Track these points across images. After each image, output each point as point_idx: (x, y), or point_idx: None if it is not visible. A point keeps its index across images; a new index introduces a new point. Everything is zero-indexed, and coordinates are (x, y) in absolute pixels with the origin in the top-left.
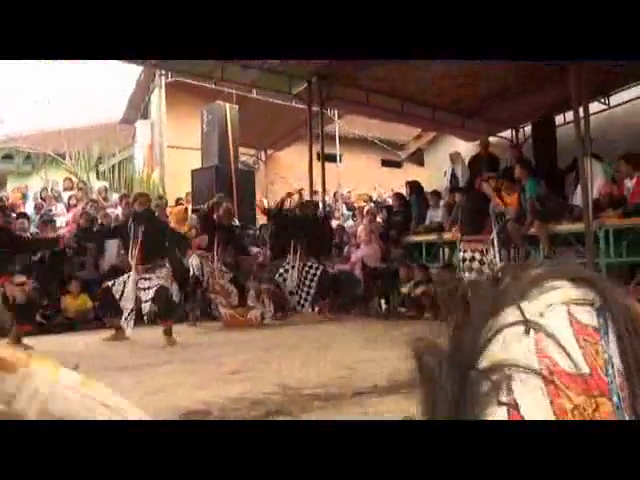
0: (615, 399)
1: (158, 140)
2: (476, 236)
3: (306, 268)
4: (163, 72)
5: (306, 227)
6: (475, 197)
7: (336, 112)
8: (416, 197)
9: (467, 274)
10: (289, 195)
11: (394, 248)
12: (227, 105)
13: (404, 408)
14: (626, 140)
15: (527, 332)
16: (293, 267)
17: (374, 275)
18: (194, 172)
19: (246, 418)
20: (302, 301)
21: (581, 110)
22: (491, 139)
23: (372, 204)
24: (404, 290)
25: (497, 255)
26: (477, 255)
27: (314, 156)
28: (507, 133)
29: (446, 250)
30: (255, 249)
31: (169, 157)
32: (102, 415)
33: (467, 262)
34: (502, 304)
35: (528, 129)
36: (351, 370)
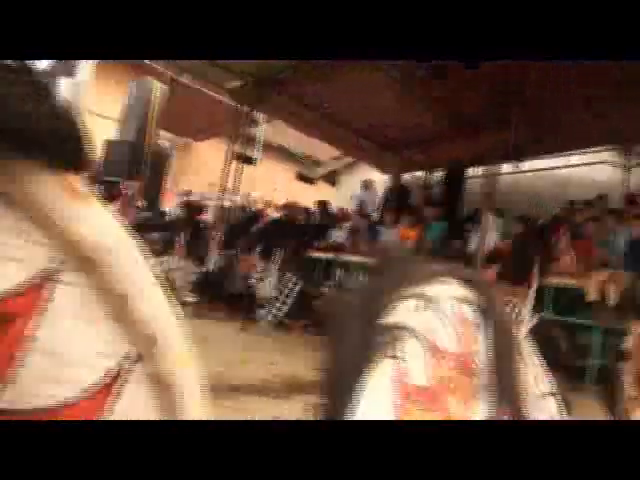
0: (478, 381)
1: (81, 103)
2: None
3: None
4: None
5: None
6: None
7: (261, 116)
8: (322, 214)
9: None
10: None
11: None
12: (157, 83)
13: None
14: (527, 204)
15: (424, 309)
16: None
17: None
18: (108, 142)
19: None
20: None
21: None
22: (406, 176)
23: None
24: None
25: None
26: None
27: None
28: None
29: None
30: (156, 235)
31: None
32: None
33: None
34: (412, 281)
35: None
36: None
